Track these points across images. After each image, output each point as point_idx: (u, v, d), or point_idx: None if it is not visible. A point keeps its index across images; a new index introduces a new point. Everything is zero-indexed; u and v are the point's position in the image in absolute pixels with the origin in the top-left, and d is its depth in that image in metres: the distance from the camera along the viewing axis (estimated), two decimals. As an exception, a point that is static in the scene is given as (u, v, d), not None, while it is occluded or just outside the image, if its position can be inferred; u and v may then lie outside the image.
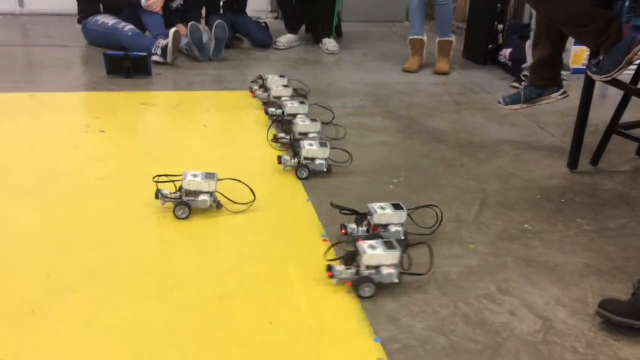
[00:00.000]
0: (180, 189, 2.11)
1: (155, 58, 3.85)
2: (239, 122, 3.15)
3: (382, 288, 1.73)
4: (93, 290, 1.69)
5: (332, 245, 1.88)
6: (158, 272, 1.80)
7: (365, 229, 1.97)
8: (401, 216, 1.97)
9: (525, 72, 3.90)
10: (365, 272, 1.73)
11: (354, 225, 1.99)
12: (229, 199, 2.16)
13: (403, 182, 2.47)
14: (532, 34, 3.80)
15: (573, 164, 2.65)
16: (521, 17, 4.98)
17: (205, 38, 4.11)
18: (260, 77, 3.39)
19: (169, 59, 3.88)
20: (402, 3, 5.82)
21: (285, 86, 3.21)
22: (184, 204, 2.07)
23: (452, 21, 4.26)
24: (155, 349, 1.50)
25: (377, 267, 1.73)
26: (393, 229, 1.95)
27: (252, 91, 3.35)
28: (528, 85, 2.83)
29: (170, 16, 4.30)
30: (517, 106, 2.84)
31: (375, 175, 2.51)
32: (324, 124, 2.76)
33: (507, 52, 4.22)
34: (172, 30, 3.86)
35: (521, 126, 3.16)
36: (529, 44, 3.88)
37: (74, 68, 3.86)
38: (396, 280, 1.74)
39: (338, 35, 4.97)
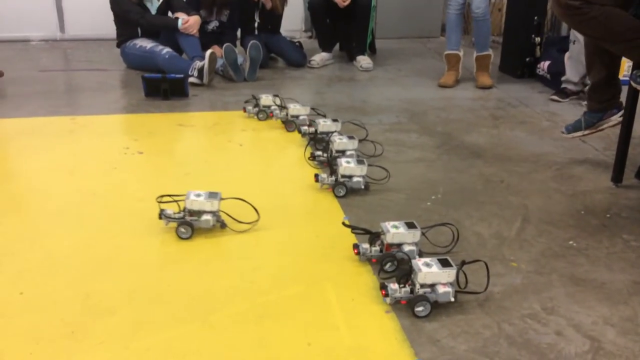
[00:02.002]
0: (184, 209, 2.11)
1: (191, 79, 3.91)
2: (275, 140, 3.15)
3: (435, 307, 1.69)
4: (132, 312, 1.70)
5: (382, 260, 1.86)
6: (196, 293, 1.79)
7: (378, 248, 1.94)
8: (415, 235, 1.92)
9: (564, 85, 3.83)
10: (421, 291, 1.69)
11: (366, 245, 1.95)
12: (233, 218, 2.15)
13: (441, 198, 2.43)
14: (571, 45, 3.75)
15: (617, 177, 2.57)
16: (559, 29, 4.91)
17: (240, 59, 4.15)
18: (254, 97, 3.42)
19: (205, 80, 3.93)
20: (436, 18, 5.81)
21: (303, 105, 3.25)
22: (187, 224, 2.06)
23: (490, 35, 4.22)
24: (193, 371, 1.49)
25: (432, 285, 1.70)
26: (407, 248, 1.90)
27: (245, 110, 3.38)
28: (587, 110, 2.77)
29: (206, 38, 4.36)
30: (580, 133, 2.79)
31: (412, 192, 2.48)
32: (359, 141, 2.74)
33: (545, 64, 4.16)
34: (208, 52, 3.91)
35: (562, 140, 3.09)
36: (567, 56, 3.82)
37: (113, 91, 3.93)
38: (452, 299, 1.70)
39: (372, 52, 4.97)
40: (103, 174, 2.63)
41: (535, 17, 4.22)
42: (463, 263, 1.80)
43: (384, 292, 1.71)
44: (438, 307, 1.71)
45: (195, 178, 2.60)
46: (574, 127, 2.80)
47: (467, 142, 3.08)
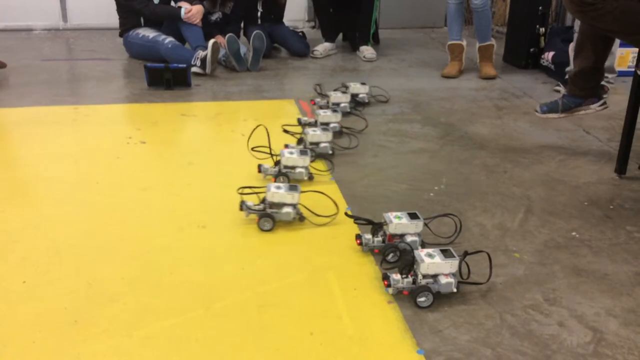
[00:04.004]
0: (264, 200, 2.11)
1: (194, 69, 3.90)
2: (277, 131, 3.14)
3: (437, 298, 1.69)
4: (134, 300, 1.70)
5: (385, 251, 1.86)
6: (198, 281, 1.80)
7: (380, 239, 1.93)
8: (417, 225, 1.91)
9: (569, 75, 3.81)
10: (423, 281, 1.69)
11: (369, 236, 1.95)
12: (311, 212, 2.15)
13: (444, 189, 2.43)
14: (575, 36, 3.72)
15: (621, 168, 2.56)
16: (563, 19, 4.89)
17: (242, 50, 4.13)
18: (318, 85, 3.46)
19: (208, 70, 3.92)
20: (440, 9, 5.78)
21: (344, 92, 3.28)
22: (268, 216, 2.06)
23: (491, 25, 4.19)
24: (197, 359, 1.49)
25: (434, 276, 1.70)
26: (409, 238, 1.90)
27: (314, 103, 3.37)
28: (566, 94, 2.76)
29: (210, 29, 4.34)
30: (555, 115, 2.78)
31: (415, 182, 2.47)
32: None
33: (549, 55, 4.14)
34: (211, 42, 3.90)
35: (566, 130, 3.08)
36: (571, 47, 3.79)
37: (116, 80, 3.93)
38: (454, 290, 1.70)
39: (375, 42, 4.96)
40: (106, 163, 2.63)
41: (540, 8, 4.20)
42: (465, 254, 1.80)
43: (386, 283, 1.71)
44: (440, 298, 1.71)
45: (198, 168, 2.60)
46: (550, 108, 2.78)
47: (470, 132, 3.07)
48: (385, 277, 1.72)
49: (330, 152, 2.68)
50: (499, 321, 1.64)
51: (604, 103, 2.69)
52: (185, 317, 1.63)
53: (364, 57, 4.57)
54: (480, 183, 2.49)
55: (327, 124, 2.87)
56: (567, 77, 3.80)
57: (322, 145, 2.67)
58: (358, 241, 1.94)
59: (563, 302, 1.73)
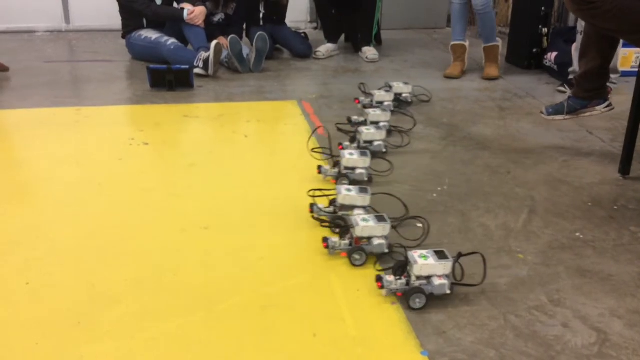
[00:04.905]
0: (332, 202, 2.11)
1: (197, 70, 3.90)
2: (280, 132, 3.15)
3: (432, 299, 1.68)
4: (137, 301, 1.70)
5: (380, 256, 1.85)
6: (201, 282, 1.79)
7: (347, 242, 1.92)
8: (384, 228, 1.89)
9: (572, 76, 3.80)
10: (416, 283, 1.69)
11: (335, 239, 1.93)
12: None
13: (447, 190, 2.42)
14: (578, 36, 3.72)
15: (625, 169, 2.55)
16: (566, 20, 4.87)
17: (245, 51, 4.13)
18: (362, 84, 3.51)
19: (211, 71, 3.92)
20: (442, 9, 5.78)
21: (387, 91, 3.31)
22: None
23: (495, 26, 4.18)
24: (199, 361, 1.49)
25: (428, 278, 1.69)
26: (376, 241, 1.88)
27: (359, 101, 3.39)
28: (572, 96, 2.75)
29: (212, 30, 4.34)
30: (560, 117, 2.77)
31: (418, 183, 2.47)
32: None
33: (552, 55, 4.13)
34: (214, 43, 3.90)
35: (569, 131, 3.07)
36: (574, 47, 3.79)
37: (118, 82, 3.93)
38: (448, 291, 1.69)
39: (378, 43, 4.95)
40: (109, 164, 2.63)
41: (542, 8, 4.19)
42: (459, 255, 1.79)
43: (379, 284, 1.70)
44: (443, 300, 1.70)
45: (200, 169, 2.59)
46: (555, 110, 2.78)
47: (473, 133, 3.07)
48: (379, 279, 1.71)
49: (384, 150, 2.69)
50: (503, 322, 1.64)
51: (610, 104, 2.68)
52: (188, 318, 1.63)
53: (366, 58, 4.56)
54: (483, 184, 2.48)
55: (377, 122, 2.88)
56: (570, 77, 3.80)
57: (376, 143, 2.70)
58: (325, 244, 1.91)
59: (567, 303, 1.72)
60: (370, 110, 2.96)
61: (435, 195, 2.37)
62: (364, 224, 1.88)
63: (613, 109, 2.70)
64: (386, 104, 3.24)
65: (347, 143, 2.73)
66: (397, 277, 1.71)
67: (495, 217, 2.20)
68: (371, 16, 4.64)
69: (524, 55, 4.32)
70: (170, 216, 2.18)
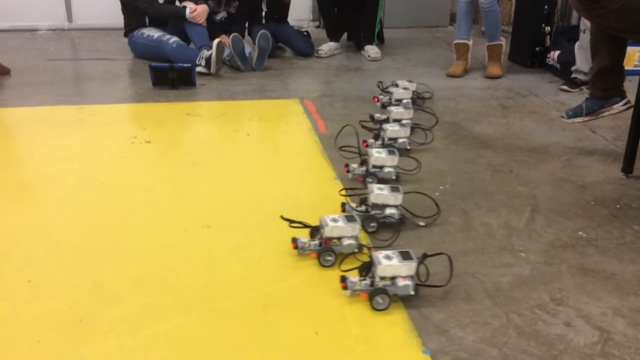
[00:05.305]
0: (365, 200, 2.11)
1: (199, 69, 3.90)
2: (282, 130, 3.15)
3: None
4: (139, 300, 1.70)
5: (346, 256, 1.83)
6: (203, 281, 1.79)
7: (317, 242, 1.91)
8: (354, 229, 1.89)
9: (574, 75, 3.80)
10: (380, 283, 1.67)
11: (305, 239, 1.92)
12: (412, 213, 2.14)
13: (449, 189, 2.41)
14: (581, 35, 3.71)
15: (628, 168, 2.55)
16: (569, 18, 4.87)
17: (247, 49, 4.13)
18: (380, 82, 3.51)
19: (213, 69, 3.92)
20: (444, 8, 5.77)
21: (405, 88, 3.32)
22: (372, 217, 1.99)
23: (500, 25, 4.18)
24: (201, 359, 1.49)
25: (392, 278, 1.68)
26: (346, 242, 1.88)
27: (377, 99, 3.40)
28: (589, 97, 2.74)
29: (214, 28, 4.34)
30: (580, 119, 2.75)
31: (420, 182, 2.46)
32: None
33: (555, 54, 4.12)
34: (216, 41, 3.90)
35: (572, 130, 3.06)
36: (577, 46, 3.78)
37: (121, 80, 3.93)
38: (412, 292, 1.68)
39: (380, 41, 4.94)
40: (111, 163, 2.63)
41: (545, 6, 4.18)
42: (424, 256, 1.79)
43: (343, 285, 1.69)
44: (443, 298, 1.70)
45: (202, 167, 2.59)
46: (575, 113, 2.77)
47: (475, 132, 3.06)
48: (343, 279, 1.70)
49: (408, 147, 2.71)
50: (505, 321, 1.63)
51: (628, 102, 2.65)
52: (190, 317, 1.63)
53: (368, 56, 4.56)
54: (485, 182, 2.48)
55: (399, 120, 2.88)
56: (573, 76, 3.80)
57: (400, 140, 2.71)
58: (294, 245, 1.90)
59: (570, 302, 1.72)
60: (393, 108, 2.95)
61: (437, 194, 2.36)
62: (333, 225, 1.87)
63: (632, 106, 2.67)
64: (405, 101, 3.22)
65: (371, 140, 2.74)
66: (362, 278, 1.70)
67: (498, 215, 2.19)
68: (373, 14, 4.63)
69: (527, 53, 4.31)
70: (172, 215, 2.18)
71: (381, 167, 2.41)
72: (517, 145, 2.88)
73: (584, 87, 3.75)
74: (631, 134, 2.51)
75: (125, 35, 4.44)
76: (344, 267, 1.80)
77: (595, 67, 2.63)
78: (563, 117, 2.83)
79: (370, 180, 2.37)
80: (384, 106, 3.22)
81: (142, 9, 4.23)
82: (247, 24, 4.67)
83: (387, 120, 2.92)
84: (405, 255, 1.69)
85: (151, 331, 1.57)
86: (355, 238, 1.89)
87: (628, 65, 3.93)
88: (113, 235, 2.04)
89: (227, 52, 4.09)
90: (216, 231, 2.07)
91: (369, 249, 1.91)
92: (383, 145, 2.66)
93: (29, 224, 2.10)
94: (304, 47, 4.61)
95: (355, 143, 2.61)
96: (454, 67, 4.14)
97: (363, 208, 2.09)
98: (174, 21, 4.25)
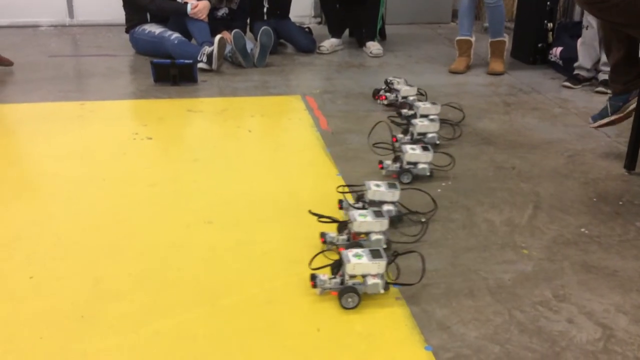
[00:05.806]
0: (360, 197, 2.10)
1: (200, 65, 3.89)
2: (283, 126, 3.14)
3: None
4: (141, 296, 1.70)
5: (316, 254, 1.83)
6: (205, 277, 1.79)
7: (345, 237, 1.91)
8: (382, 224, 1.88)
9: (577, 71, 3.78)
10: (350, 282, 1.67)
11: (333, 234, 1.92)
12: (409, 210, 2.13)
13: (451, 185, 2.41)
14: (584, 31, 3.70)
15: (630, 164, 2.54)
16: (571, 14, 4.85)
17: (249, 46, 4.12)
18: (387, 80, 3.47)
19: (214, 65, 3.91)
20: (446, 4, 5.76)
21: (410, 85, 3.31)
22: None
23: (504, 21, 4.17)
24: (203, 355, 1.49)
25: (362, 277, 1.67)
26: (374, 237, 1.87)
27: (377, 97, 3.40)
28: (612, 95, 2.71)
29: (216, 24, 4.33)
30: (606, 120, 2.69)
31: (422, 178, 2.45)
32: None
33: (557, 50, 4.11)
34: (217, 37, 3.89)
35: (574, 126, 3.06)
36: (580, 42, 3.77)
37: (122, 76, 3.92)
38: (382, 291, 1.67)
39: (382, 38, 4.93)
40: (113, 159, 2.62)
41: (548, 3, 4.17)
42: (395, 255, 1.78)
43: (312, 283, 1.68)
44: (446, 294, 1.69)
45: (204, 164, 2.59)
46: (601, 115, 2.71)
47: (478, 128, 3.05)
48: (313, 277, 1.69)
49: (437, 142, 2.72)
50: (507, 317, 1.63)
51: None
52: (192, 313, 1.63)
53: (370, 53, 4.55)
54: (488, 179, 2.47)
55: (426, 115, 2.87)
56: (575, 72, 3.79)
57: (430, 135, 2.72)
58: (322, 239, 1.90)
59: (572, 298, 1.71)
60: (421, 104, 2.95)
61: (440, 190, 2.36)
62: (362, 219, 1.86)
63: None
64: (411, 98, 3.21)
65: (400, 135, 2.74)
66: (332, 276, 1.70)
67: (500, 212, 2.19)
68: (375, 11, 4.62)
69: (529, 50, 4.30)
70: (174, 211, 2.17)
71: (415, 163, 2.41)
72: (520, 142, 2.87)
73: (586, 83, 3.73)
74: (634, 131, 2.50)
75: (127, 31, 4.43)
76: (314, 265, 1.78)
77: (611, 62, 2.60)
78: (590, 123, 2.78)
79: (405, 177, 2.39)
80: (391, 105, 3.21)
81: (143, 5, 4.23)
82: (248, 20, 4.66)
83: (414, 116, 2.91)
84: (375, 254, 1.68)
85: (153, 328, 1.57)
86: (384, 233, 1.88)
87: None
88: (114, 232, 2.04)
89: (228, 48, 4.08)
90: (218, 228, 2.07)
91: (339, 248, 1.89)
92: (412, 141, 2.65)
93: (31, 221, 2.10)
94: (305, 44, 4.60)
95: (388, 139, 2.62)
96: (456, 64, 4.13)
97: (360, 204, 2.09)
98: (176, 17, 4.24)
